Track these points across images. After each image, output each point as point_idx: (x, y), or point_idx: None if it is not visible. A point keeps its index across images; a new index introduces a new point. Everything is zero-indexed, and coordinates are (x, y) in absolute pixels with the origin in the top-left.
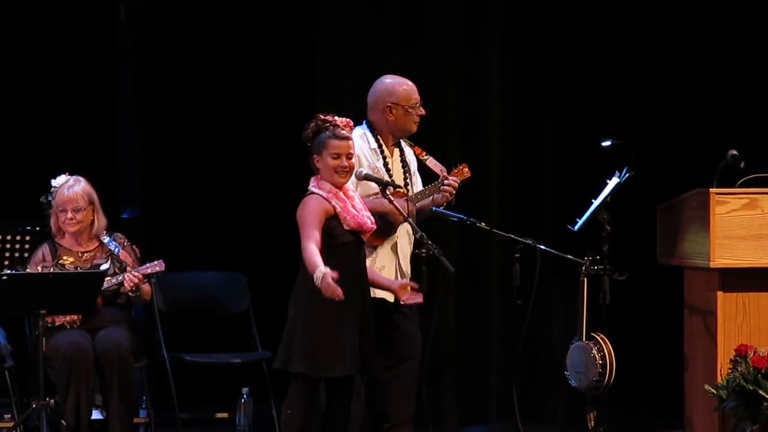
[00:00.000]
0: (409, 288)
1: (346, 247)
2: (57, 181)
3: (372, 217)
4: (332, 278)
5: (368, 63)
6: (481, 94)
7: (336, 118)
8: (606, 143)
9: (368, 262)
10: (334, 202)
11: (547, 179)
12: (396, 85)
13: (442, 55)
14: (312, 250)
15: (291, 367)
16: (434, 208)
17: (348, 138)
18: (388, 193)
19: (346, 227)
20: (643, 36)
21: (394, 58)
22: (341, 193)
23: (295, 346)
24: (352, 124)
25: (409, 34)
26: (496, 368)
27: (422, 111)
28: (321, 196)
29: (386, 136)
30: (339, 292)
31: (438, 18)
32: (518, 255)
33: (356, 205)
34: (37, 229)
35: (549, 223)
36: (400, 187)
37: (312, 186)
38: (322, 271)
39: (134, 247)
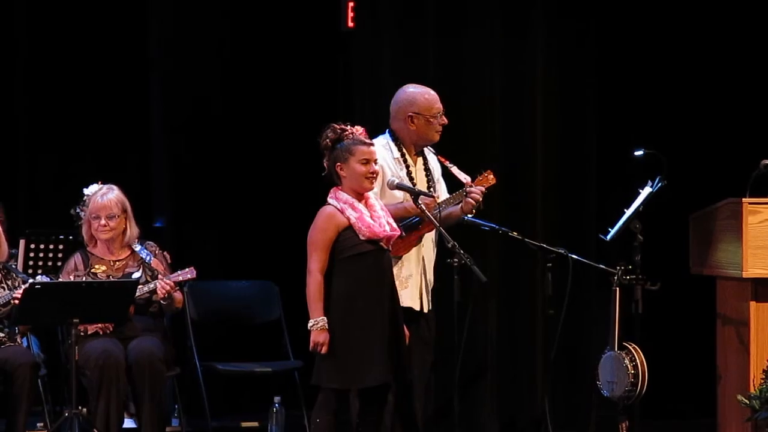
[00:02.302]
0: None
1: (366, 256)
2: (90, 190)
3: (394, 224)
4: (325, 339)
5: (407, 63)
6: (522, 103)
7: (351, 126)
8: (638, 152)
9: (394, 271)
10: (348, 213)
11: (590, 188)
12: (417, 94)
13: (482, 58)
14: (315, 285)
15: (322, 381)
16: (467, 217)
17: (373, 144)
18: (420, 202)
19: (361, 237)
20: (678, 45)
21: (430, 56)
22: (357, 203)
23: (324, 359)
24: (366, 132)
25: (446, 32)
26: (539, 377)
27: (445, 120)
28: (335, 207)
29: (409, 145)
30: (324, 348)
31: (477, 17)
32: (550, 264)
33: (377, 212)
34: (70, 238)
35: (592, 232)
36: (433, 196)
37: (329, 197)
38: (320, 324)
39: (165, 253)
